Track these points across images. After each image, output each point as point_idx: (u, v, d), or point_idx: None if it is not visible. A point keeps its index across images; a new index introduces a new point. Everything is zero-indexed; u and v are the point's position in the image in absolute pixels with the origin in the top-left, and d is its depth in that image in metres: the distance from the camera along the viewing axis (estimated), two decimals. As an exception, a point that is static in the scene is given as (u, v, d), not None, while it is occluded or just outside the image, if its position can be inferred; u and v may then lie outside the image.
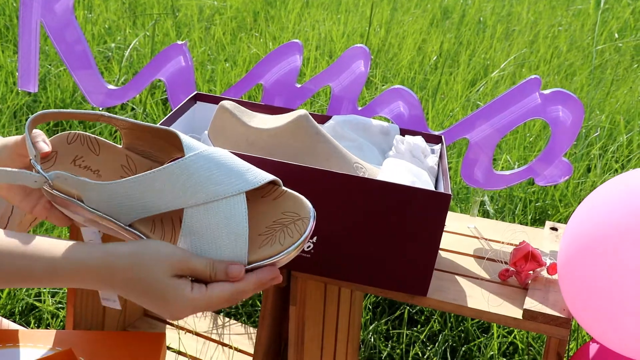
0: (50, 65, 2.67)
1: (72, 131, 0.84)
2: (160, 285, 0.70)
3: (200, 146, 0.74)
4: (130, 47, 2.70)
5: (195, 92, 1.22)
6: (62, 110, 0.79)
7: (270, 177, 0.75)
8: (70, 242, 0.72)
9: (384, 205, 0.97)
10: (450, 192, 0.96)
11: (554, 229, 1.24)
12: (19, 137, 0.82)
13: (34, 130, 0.81)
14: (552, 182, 1.21)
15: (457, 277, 1.09)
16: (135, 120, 0.80)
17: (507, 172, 1.23)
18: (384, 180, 0.96)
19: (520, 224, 1.88)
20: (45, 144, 0.81)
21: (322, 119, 1.19)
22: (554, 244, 1.18)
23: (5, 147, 0.83)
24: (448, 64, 3.09)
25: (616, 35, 3.59)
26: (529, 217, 2.00)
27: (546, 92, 1.16)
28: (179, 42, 1.31)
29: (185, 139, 0.74)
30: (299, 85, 1.29)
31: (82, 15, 3.25)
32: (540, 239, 1.21)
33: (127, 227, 0.74)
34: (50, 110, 0.79)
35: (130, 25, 3.25)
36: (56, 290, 1.59)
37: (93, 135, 0.84)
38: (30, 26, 1.36)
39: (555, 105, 1.16)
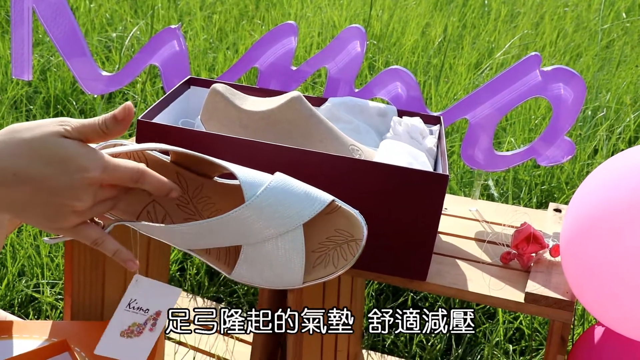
0: (51, 56, 2.66)
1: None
2: (54, 146, 0.65)
3: (257, 181, 0.73)
4: (130, 35, 2.68)
5: (189, 77, 1.20)
6: (108, 143, 0.75)
7: (327, 199, 0.75)
8: None
9: (380, 187, 0.94)
10: (448, 173, 0.93)
11: (557, 210, 1.21)
12: None
13: None
14: (554, 162, 1.18)
15: (457, 260, 1.07)
16: (188, 151, 0.76)
17: (509, 153, 1.20)
18: (380, 162, 0.94)
19: (526, 207, 1.85)
20: None
21: (319, 101, 1.17)
22: (557, 226, 1.16)
23: None
24: (452, 47, 3.05)
25: (624, 15, 3.54)
26: (534, 201, 1.97)
27: (547, 69, 1.12)
28: (173, 26, 1.28)
29: (242, 177, 0.73)
30: (294, 68, 1.26)
31: (83, 5, 3.23)
32: (544, 220, 1.18)
33: (184, 250, 0.75)
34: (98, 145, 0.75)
35: (131, 14, 3.23)
36: (55, 281, 1.58)
37: (140, 148, 0.77)
38: (23, 13, 1.34)
39: (557, 82, 1.12)
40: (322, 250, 0.74)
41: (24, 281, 1.57)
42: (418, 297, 1.69)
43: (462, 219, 1.20)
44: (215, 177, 0.80)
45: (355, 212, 0.76)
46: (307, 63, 1.25)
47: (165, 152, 0.78)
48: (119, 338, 0.83)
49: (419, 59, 2.86)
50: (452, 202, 1.26)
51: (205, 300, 1.56)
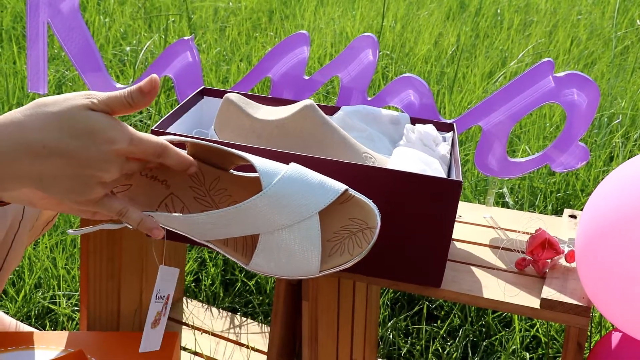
0: (66, 70, 2.68)
1: None
2: (82, 119, 0.67)
3: (273, 170, 0.75)
4: (144, 49, 2.70)
5: (202, 87, 1.21)
6: None
7: (341, 188, 0.77)
8: None
9: (394, 194, 0.94)
10: (461, 179, 0.93)
11: (572, 216, 1.21)
12: None
13: None
14: (568, 168, 1.17)
15: (472, 267, 1.07)
16: (206, 142, 0.79)
17: (522, 160, 1.20)
18: (393, 169, 0.94)
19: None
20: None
21: (331, 110, 1.17)
22: (572, 232, 1.15)
23: None
24: (465, 56, 3.05)
25: (638, 22, 3.52)
26: (550, 208, 1.96)
27: (560, 74, 1.12)
28: (186, 38, 1.29)
29: (259, 165, 0.75)
30: (307, 77, 1.26)
31: (97, 20, 3.26)
32: (559, 227, 1.17)
33: (202, 242, 0.77)
34: None
35: (145, 29, 3.26)
36: (72, 293, 1.59)
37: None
38: (38, 28, 1.36)
39: (570, 88, 1.12)
40: (337, 239, 0.76)
41: (40, 293, 1.58)
42: (433, 306, 1.68)
43: (476, 226, 1.20)
44: (231, 170, 0.82)
45: (368, 201, 0.77)
46: (319, 72, 1.26)
47: (182, 146, 0.80)
48: (151, 331, 0.84)
49: (432, 68, 2.86)
50: (466, 210, 1.26)
51: (221, 310, 1.56)
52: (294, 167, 0.76)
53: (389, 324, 1.61)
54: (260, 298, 1.69)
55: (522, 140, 2.27)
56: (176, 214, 0.75)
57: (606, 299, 0.89)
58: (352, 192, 0.78)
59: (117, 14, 3.40)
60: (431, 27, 3.34)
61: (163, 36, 3.01)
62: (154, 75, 0.70)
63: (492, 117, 1.17)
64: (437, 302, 1.69)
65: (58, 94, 2.54)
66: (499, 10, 3.75)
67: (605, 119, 2.33)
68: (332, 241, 0.76)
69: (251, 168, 0.79)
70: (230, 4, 3.68)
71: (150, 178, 0.80)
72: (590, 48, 3.16)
